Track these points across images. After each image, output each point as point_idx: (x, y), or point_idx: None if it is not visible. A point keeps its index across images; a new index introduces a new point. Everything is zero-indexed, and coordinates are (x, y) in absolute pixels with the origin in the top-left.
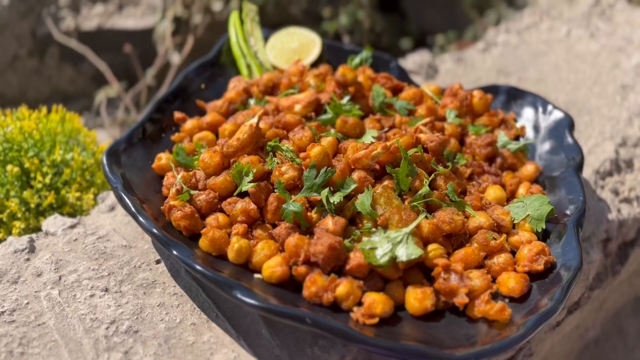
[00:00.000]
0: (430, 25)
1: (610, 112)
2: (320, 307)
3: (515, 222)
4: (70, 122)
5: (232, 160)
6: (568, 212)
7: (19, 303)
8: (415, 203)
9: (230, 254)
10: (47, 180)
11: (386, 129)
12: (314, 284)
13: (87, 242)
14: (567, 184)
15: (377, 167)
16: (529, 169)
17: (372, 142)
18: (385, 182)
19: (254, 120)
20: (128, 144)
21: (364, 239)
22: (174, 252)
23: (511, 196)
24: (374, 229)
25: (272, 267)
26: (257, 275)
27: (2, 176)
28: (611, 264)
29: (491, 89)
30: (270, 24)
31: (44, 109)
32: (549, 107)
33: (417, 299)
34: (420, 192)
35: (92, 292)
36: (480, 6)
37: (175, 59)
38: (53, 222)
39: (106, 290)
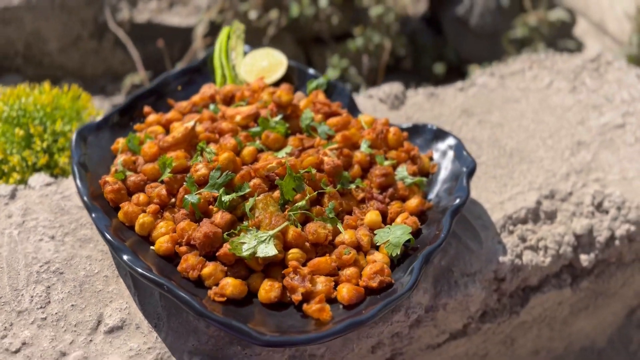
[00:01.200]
0: (470, 53)
1: (551, 165)
2: (188, 281)
3: (377, 244)
4: (82, 100)
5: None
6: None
7: None
8: (290, 213)
9: (136, 227)
10: (45, 145)
11: (303, 147)
12: (186, 261)
13: (53, 199)
14: (440, 222)
15: (277, 177)
16: (412, 202)
17: (283, 157)
18: (275, 193)
19: (190, 124)
20: (98, 127)
21: (242, 234)
22: (93, 216)
23: (391, 222)
24: (250, 228)
25: (162, 242)
26: (152, 247)
27: (11, 136)
28: (510, 304)
29: (420, 128)
30: (301, 39)
31: (65, 87)
32: (464, 153)
33: (265, 289)
34: (297, 204)
35: (41, 237)
36: (522, 41)
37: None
38: (36, 179)
39: (52, 238)
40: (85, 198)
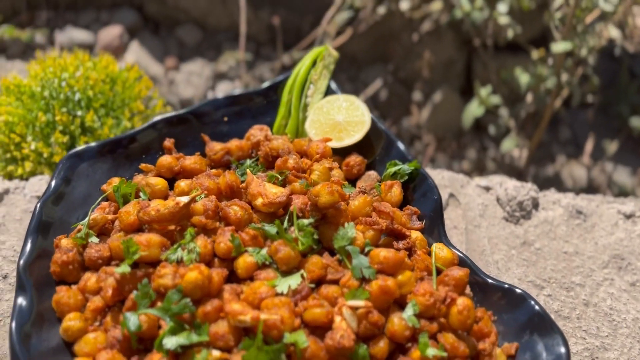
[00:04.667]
0: None
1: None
2: None
3: None
4: (142, 84)
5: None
6: None
7: None
8: None
9: (60, 328)
10: (66, 139)
11: (321, 280)
12: None
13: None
14: None
15: (255, 331)
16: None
17: (277, 294)
18: (235, 357)
19: (184, 199)
20: (97, 152)
21: None
22: (17, 299)
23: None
24: None
25: None
26: None
27: (33, 119)
28: None
29: (514, 297)
30: (466, 40)
31: (129, 64)
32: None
33: None
34: None
35: None
36: None
37: (294, 55)
38: (34, 184)
39: (4, 278)
40: (21, 263)
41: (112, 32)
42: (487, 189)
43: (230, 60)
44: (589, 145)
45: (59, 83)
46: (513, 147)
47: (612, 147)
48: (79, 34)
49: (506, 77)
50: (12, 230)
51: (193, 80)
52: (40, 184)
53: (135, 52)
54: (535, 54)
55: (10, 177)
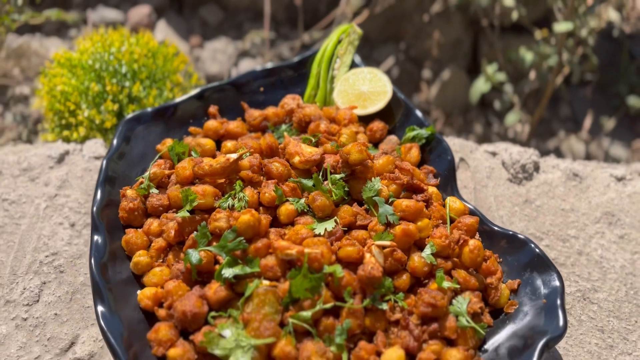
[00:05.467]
0: None
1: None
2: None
3: None
4: (179, 59)
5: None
6: None
7: (20, 199)
8: (290, 319)
9: (131, 263)
10: (116, 107)
11: (352, 225)
12: (157, 332)
13: (95, 177)
14: None
15: (299, 264)
16: (454, 355)
17: (315, 236)
18: (284, 285)
19: (233, 156)
20: (151, 117)
21: (226, 323)
22: (92, 238)
23: None
24: (239, 321)
25: (145, 295)
26: (139, 292)
27: (85, 89)
28: None
29: (516, 241)
30: (474, 21)
31: (166, 42)
32: (558, 310)
33: None
34: (302, 313)
35: (62, 221)
36: None
37: (313, 35)
38: (91, 146)
39: (72, 225)
40: (94, 209)
41: (141, 12)
42: (494, 154)
43: (255, 39)
44: (587, 122)
45: (108, 57)
46: (516, 121)
47: (609, 123)
48: (110, 13)
49: (511, 56)
50: (75, 185)
51: (218, 57)
52: (96, 146)
53: (163, 31)
54: (539, 34)
55: (67, 141)
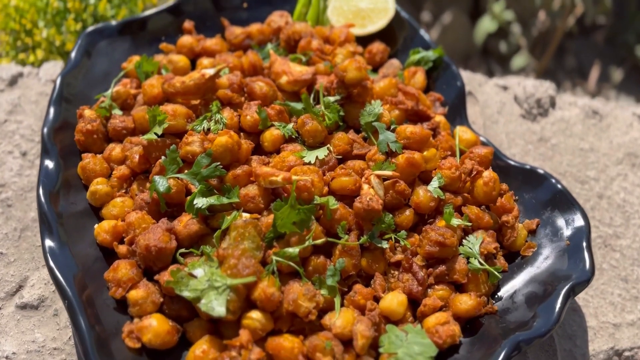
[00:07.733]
0: None
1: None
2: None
3: (380, 350)
4: None
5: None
6: None
7: None
8: (273, 257)
9: (88, 192)
10: (79, 27)
11: (347, 154)
12: (115, 271)
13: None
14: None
15: (285, 194)
16: (465, 301)
17: (305, 164)
18: (266, 219)
19: (209, 72)
20: (117, 32)
21: (198, 261)
22: (44, 162)
23: (420, 319)
24: (213, 259)
25: (103, 229)
26: (96, 226)
27: (44, 6)
28: None
29: (535, 177)
30: None
31: None
32: (584, 252)
33: (196, 354)
34: (287, 250)
35: (12, 149)
36: None
37: None
38: (48, 68)
39: (23, 155)
40: (45, 130)
41: None
42: (505, 87)
43: None
44: (594, 73)
45: None
46: (523, 64)
47: (617, 75)
48: None
49: None
50: (28, 111)
51: None
52: (55, 69)
53: None
54: None
55: (23, 64)
